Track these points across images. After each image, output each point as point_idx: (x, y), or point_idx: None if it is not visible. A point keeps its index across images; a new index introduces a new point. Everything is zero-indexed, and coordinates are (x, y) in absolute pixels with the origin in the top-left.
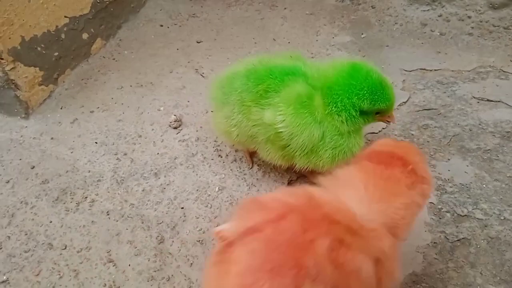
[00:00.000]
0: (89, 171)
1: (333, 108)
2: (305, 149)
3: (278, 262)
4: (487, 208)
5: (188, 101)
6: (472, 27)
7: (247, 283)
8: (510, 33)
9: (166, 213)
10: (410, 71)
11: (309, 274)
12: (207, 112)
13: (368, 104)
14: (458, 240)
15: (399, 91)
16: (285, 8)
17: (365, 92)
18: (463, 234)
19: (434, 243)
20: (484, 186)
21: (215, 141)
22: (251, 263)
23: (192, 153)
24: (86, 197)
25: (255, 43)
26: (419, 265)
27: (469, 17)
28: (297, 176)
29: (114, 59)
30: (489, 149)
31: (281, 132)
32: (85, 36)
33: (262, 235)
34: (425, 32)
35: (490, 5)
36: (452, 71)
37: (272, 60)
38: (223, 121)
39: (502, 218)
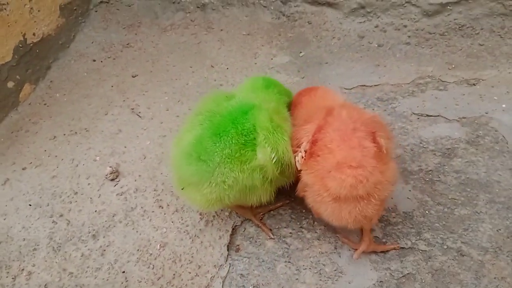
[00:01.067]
0: (24, 239)
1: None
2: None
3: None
4: (430, 237)
5: (125, 147)
6: (409, 36)
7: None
8: (446, 40)
9: (107, 280)
10: (351, 89)
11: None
12: (144, 158)
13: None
14: (403, 276)
15: None
16: (221, 30)
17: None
18: (408, 269)
19: (380, 281)
20: (427, 212)
21: (154, 190)
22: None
23: (131, 207)
24: (22, 270)
25: (193, 72)
26: None
27: (405, 26)
28: (241, 220)
29: (45, 104)
30: (430, 170)
31: (275, 162)
32: (10, 84)
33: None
34: (363, 45)
35: (424, 13)
36: (392, 85)
37: (217, 107)
38: (212, 190)
39: (445, 247)
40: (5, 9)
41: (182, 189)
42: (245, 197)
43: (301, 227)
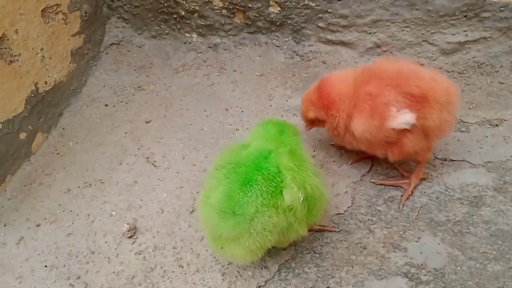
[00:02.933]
0: None
1: None
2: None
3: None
4: None
5: (141, 200)
6: None
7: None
8: (465, 78)
9: None
10: None
11: None
12: (162, 212)
13: None
14: None
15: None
16: (234, 71)
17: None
18: None
19: None
20: (458, 268)
21: (174, 247)
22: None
23: (151, 268)
24: None
25: (207, 116)
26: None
27: (422, 64)
28: (265, 280)
29: (58, 153)
30: (458, 221)
31: (303, 200)
32: (22, 135)
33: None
34: None
35: (442, 51)
36: None
37: (238, 157)
38: (254, 240)
39: None
40: (17, 60)
41: (221, 248)
42: (284, 237)
43: (328, 286)
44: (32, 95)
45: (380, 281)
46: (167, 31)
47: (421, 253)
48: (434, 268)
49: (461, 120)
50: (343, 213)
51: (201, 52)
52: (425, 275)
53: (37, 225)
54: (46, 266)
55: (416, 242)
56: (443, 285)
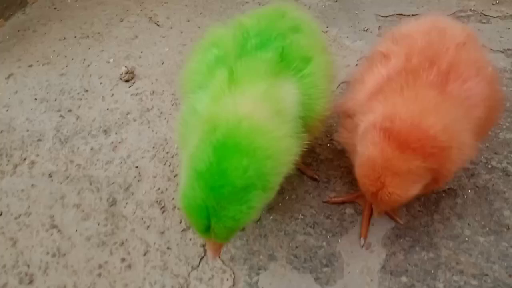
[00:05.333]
0: (28, 130)
1: None
2: None
3: None
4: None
5: (141, 52)
6: None
7: None
8: None
9: (118, 173)
10: (386, 16)
11: None
12: (162, 63)
13: None
14: (443, 191)
15: (375, 38)
16: None
17: None
18: (449, 184)
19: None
20: None
21: (172, 94)
22: None
23: (147, 108)
24: (24, 159)
25: None
26: (402, 219)
27: None
28: None
29: (55, 8)
30: None
31: None
32: None
33: None
34: None
35: None
36: None
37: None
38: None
39: (489, 166)
40: None
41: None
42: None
43: None
44: None
45: None
46: None
47: None
48: None
49: (483, 13)
50: None
51: None
52: None
53: (29, 66)
54: (36, 99)
55: None
56: None
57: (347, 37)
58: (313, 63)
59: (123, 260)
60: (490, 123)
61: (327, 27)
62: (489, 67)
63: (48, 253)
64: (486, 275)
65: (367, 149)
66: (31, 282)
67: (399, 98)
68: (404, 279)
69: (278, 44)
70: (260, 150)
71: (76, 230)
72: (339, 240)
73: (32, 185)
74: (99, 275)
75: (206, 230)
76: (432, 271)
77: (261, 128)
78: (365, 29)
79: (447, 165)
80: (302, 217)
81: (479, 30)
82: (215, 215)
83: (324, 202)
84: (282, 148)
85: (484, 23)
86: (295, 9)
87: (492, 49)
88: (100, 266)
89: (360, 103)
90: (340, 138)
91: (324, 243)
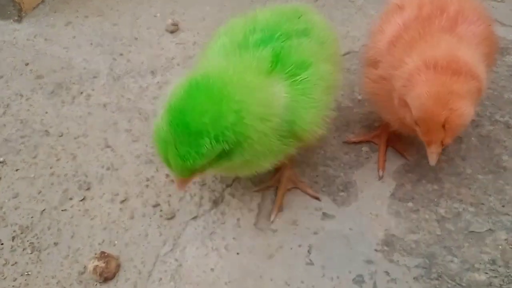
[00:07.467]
0: (85, 68)
1: None
2: None
3: None
4: (479, 110)
5: (185, 9)
6: None
7: None
8: None
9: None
10: None
11: None
12: (204, 20)
13: None
14: None
15: None
16: None
17: None
18: None
19: None
20: None
21: None
22: None
23: (190, 56)
24: (81, 92)
25: None
26: (412, 156)
27: None
28: None
29: None
30: None
31: None
32: None
33: None
34: None
35: None
36: None
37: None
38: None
39: (493, 119)
40: None
41: None
42: None
43: None
44: None
45: None
46: None
47: None
48: None
49: None
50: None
51: None
52: None
53: (85, 16)
54: (91, 44)
55: None
56: None
57: (373, 7)
58: (310, 70)
59: (167, 176)
60: (491, 60)
61: None
62: (486, 13)
63: (103, 167)
64: (483, 204)
65: (425, 86)
66: (88, 189)
67: (422, 42)
68: (410, 204)
69: (278, 44)
70: (227, 101)
71: (127, 150)
72: (355, 172)
73: (89, 113)
74: (147, 186)
75: (167, 162)
76: (435, 199)
77: (243, 87)
78: None
79: (483, 91)
80: (323, 152)
81: (493, 7)
82: (170, 150)
83: (344, 142)
84: (253, 118)
85: (498, 1)
86: (314, 13)
87: (503, 24)
88: (147, 179)
89: (381, 51)
90: (365, 88)
91: (342, 174)
